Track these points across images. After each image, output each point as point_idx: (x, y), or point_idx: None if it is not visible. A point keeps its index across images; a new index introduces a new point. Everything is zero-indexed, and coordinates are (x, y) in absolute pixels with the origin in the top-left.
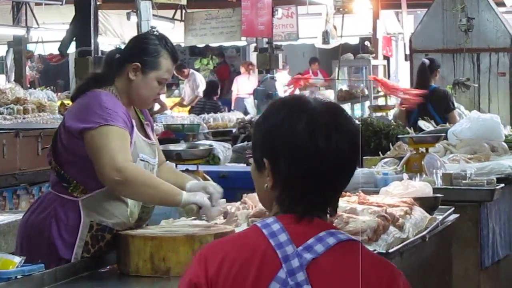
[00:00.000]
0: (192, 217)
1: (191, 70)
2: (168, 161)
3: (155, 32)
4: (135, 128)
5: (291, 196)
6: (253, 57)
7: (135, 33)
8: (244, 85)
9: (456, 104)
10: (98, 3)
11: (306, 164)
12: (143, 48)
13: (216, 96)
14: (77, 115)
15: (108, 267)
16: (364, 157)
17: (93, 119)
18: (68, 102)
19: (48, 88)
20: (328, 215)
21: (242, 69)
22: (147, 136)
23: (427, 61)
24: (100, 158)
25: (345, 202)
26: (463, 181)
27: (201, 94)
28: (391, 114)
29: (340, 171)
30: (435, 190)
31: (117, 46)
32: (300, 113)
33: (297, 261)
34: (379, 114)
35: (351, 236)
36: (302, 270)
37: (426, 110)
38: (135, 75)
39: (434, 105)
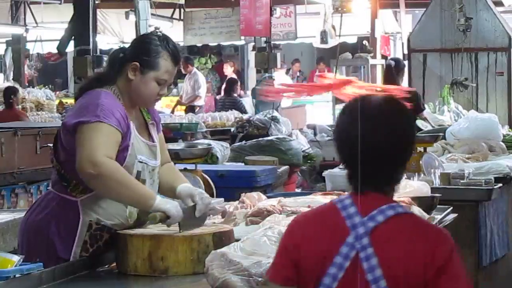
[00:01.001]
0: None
1: (195, 69)
2: (171, 162)
3: (158, 33)
4: (133, 130)
5: (354, 177)
6: (251, 56)
7: (133, 32)
8: None
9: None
10: (96, 2)
11: (356, 152)
12: (143, 48)
13: (235, 93)
14: (75, 112)
15: (106, 266)
16: None
17: (88, 115)
18: (66, 100)
19: (46, 87)
20: (391, 191)
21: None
22: (150, 137)
23: (392, 62)
24: (80, 149)
25: None
26: (461, 181)
27: (201, 95)
28: None
29: (388, 157)
30: (433, 189)
31: (122, 46)
32: (350, 107)
33: (363, 229)
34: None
35: (400, 210)
36: (366, 235)
37: None
38: (134, 75)
39: None
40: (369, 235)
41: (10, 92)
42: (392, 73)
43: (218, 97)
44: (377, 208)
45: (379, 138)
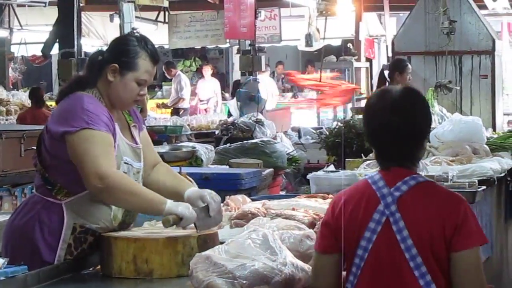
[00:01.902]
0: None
1: (178, 72)
2: (163, 162)
3: (136, 33)
4: (118, 131)
5: (381, 156)
6: (236, 59)
7: (118, 35)
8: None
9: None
10: (81, 4)
11: (381, 134)
12: (121, 49)
13: None
14: (59, 118)
15: (91, 268)
16: (346, 159)
17: (75, 122)
18: (51, 103)
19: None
20: (413, 165)
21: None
22: (132, 139)
23: (385, 66)
24: (83, 164)
25: (327, 204)
26: (445, 183)
27: (185, 97)
28: None
29: (409, 137)
30: None
31: (100, 48)
32: (375, 97)
33: (390, 198)
34: (361, 116)
35: (427, 178)
36: (394, 203)
37: None
38: (113, 77)
39: None
40: (396, 203)
41: (38, 92)
42: (383, 76)
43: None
44: (401, 180)
45: (401, 122)
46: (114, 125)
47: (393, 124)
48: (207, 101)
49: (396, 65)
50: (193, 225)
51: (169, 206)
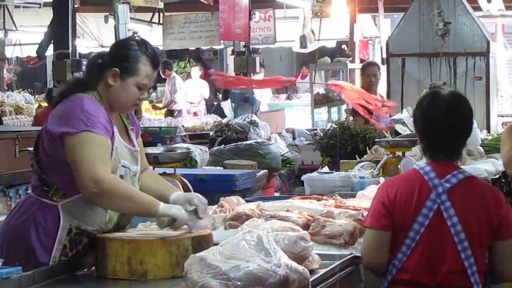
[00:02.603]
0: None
1: (173, 74)
2: (150, 167)
3: (136, 37)
4: (117, 134)
5: (432, 150)
6: (230, 60)
7: (112, 36)
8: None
9: None
10: (76, 6)
11: (434, 130)
12: (122, 54)
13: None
14: (59, 119)
15: (85, 270)
16: (341, 161)
17: (74, 124)
18: (45, 104)
19: (25, 90)
20: (457, 160)
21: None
22: (130, 141)
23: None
24: (78, 167)
25: (321, 206)
26: None
27: (177, 100)
28: None
29: (457, 134)
30: None
31: (100, 52)
32: (427, 98)
33: (441, 188)
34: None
35: (467, 174)
36: (444, 193)
37: None
38: (114, 81)
39: None
40: (446, 193)
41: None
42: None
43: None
44: (451, 173)
45: (451, 121)
46: (113, 128)
47: (448, 122)
48: (197, 103)
49: (361, 67)
50: (186, 226)
51: (162, 208)
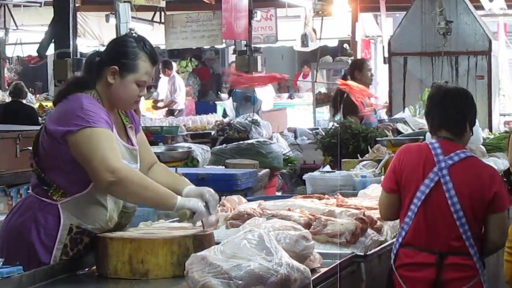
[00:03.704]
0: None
1: (174, 73)
2: (160, 162)
3: (134, 34)
4: (115, 133)
5: (433, 128)
6: (232, 59)
7: (114, 35)
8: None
9: None
10: (77, 5)
11: (434, 109)
12: (120, 51)
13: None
14: (59, 119)
15: (86, 269)
16: (342, 160)
17: (76, 122)
18: (46, 104)
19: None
20: (461, 142)
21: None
22: (128, 140)
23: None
24: (91, 161)
25: (323, 205)
26: None
27: (177, 100)
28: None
29: (459, 120)
30: None
31: (97, 50)
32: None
33: (444, 164)
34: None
35: (469, 154)
36: (446, 168)
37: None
38: (113, 79)
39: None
40: (448, 168)
41: None
42: (350, 74)
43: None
44: (455, 151)
45: (449, 100)
46: (112, 126)
47: (446, 102)
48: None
49: (355, 64)
50: (201, 222)
51: (180, 201)
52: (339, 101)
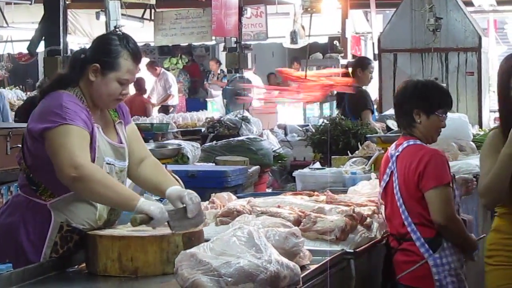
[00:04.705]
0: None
1: (163, 70)
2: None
3: (118, 32)
4: (99, 131)
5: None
6: (222, 56)
7: (104, 32)
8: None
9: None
10: (67, 2)
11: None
12: (103, 49)
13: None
14: (39, 117)
15: (76, 266)
16: (332, 157)
17: (53, 119)
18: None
19: (17, 87)
20: (412, 133)
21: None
22: (117, 136)
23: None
24: (58, 155)
25: (313, 202)
26: None
27: (173, 93)
28: None
29: (399, 111)
30: None
31: (83, 46)
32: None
33: (394, 157)
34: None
35: (411, 143)
36: (395, 161)
37: (344, 109)
38: (95, 76)
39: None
40: (395, 160)
41: (141, 81)
42: (353, 71)
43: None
44: (401, 144)
45: (398, 106)
46: (92, 125)
47: (395, 105)
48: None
49: (359, 62)
50: (166, 224)
51: (141, 204)
52: (341, 99)
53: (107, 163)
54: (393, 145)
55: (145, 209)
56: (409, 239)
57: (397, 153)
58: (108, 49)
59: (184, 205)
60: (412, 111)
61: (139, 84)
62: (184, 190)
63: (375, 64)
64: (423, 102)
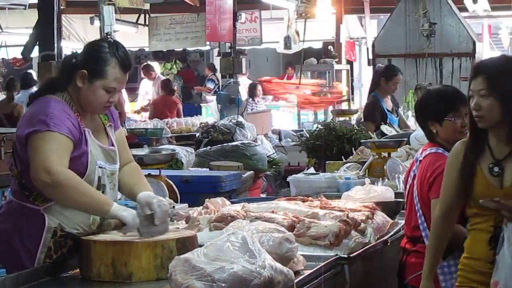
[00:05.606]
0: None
1: (158, 74)
2: (135, 163)
3: (109, 39)
4: (89, 135)
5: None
6: (216, 61)
7: (98, 37)
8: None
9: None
10: (61, 7)
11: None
12: (92, 56)
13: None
14: (26, 122)
15: (70, 272)
16: (326, 162)
17: (37, 125)
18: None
19: None
20: (435, 140)
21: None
22: (108, 139)
23: (380, 68)
24: (33, 160)
25: (307, 207)
26: None
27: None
28: (354, 118)
29: (418, 118)
30: (397, 194)
31: (75, 52)
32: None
33: (418, 162)
34: (342, 118)
35: (433, 150)
36: (418, 165)
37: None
38: (82, 83)
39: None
40: (418, 164)
41: (170, 83)
42: (376, 78)
43: None
44: (426, 149)
45: (417, 113)
46: (81, 131)
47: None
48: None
49: (385, 71)
50: (136, 230)
51: (114, 209)
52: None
53: (99, 167)
54: (420, 149)
55: (118, 215)
56: (422, 242)
57: (420, 158)
58: (96, 56)
59: (152, 212)
60: (426, 122)
61: (167, 85)
62: (154, 197)
63: (401, 76)
64: (430, 113)
